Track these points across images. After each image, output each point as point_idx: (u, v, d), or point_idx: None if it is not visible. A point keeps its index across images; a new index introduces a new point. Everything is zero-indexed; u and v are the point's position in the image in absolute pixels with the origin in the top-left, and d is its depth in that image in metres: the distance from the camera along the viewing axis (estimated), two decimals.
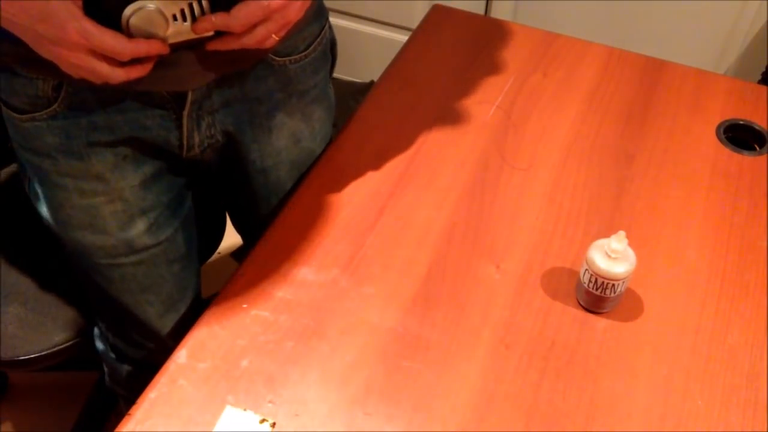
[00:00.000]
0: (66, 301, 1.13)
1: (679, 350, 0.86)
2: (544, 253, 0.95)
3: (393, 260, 0.93)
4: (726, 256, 0.95)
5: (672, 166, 1.06)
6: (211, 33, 0.75)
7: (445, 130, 1.10)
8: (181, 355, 0.84)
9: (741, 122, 1.13)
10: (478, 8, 1.91)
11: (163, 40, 0.73)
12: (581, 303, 0.89)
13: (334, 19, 1.81)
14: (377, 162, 1.05)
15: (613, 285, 0.85)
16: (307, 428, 0.78)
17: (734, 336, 0.87)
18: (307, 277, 0.91)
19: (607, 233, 0.95)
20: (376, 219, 0.98)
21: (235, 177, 1.03)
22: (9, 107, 0.85)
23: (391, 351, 0.85)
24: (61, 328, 1.10)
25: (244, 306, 0.88)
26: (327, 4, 0.99)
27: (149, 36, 0.72)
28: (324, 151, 1.06)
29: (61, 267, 1.12)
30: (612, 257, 0.84)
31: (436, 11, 1.33)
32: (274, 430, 0.78)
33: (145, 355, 1.09)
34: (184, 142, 0.90)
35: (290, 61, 0.93)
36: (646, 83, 1.19)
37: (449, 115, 1.13)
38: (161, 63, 0.75)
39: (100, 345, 1.15)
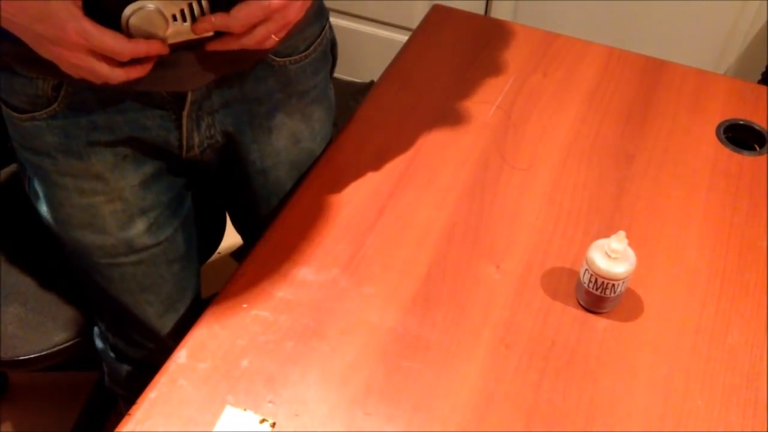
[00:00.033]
0: (66, 300, 1.12)
1: (679, 350, 0.86)
2: (544, 253, 0.95)
3: (393, 260, 0.93)
4: (726, 256, 0.95)
5: (672, 166, 1.06)
6: (210, 33, 0.75)
7: (445, 130, 1.10)
8: (181, 355, 0.84)
9: (741, 122, 1.13)
10: (478, 8, 1.91)
11: (163, 40, 0.73)
12: (581, 303, 0.89)
13: (334, 19, 1.81)
14: (377, 162, 1.05)
15: (613, 285, 0.85)
16: (307, 428, 0.78)
17: (734, 336, 0.87)
18: (307, 277, 0.91)
19: (607, 233, 0.95)
20: (376, 219, 0.98)
21: (234, 177, 1.03)
22: (9, 106, 0.85)
23: (391, 351, 0.85)
24: (62, 327, 1.10)
25: (244, 306, 0.88)
26: (327, 4, 0.99)
27: (149, 36, 0.71)
28: (324, 151, 1.06)
29: (61, 267, 1.12)
30: (612, 257, 0.84)
31: (436, 11, 1.33)
32: (274, 430, 0.78)
33: (145, 355, 1.09)
34: (184, 143, 0.90)
35: (290, 61, 0.93)
36: (646, 83, 1.19)
37: (449, 115, 1.13)
38: (161, 63, 0.75)
39: (99, 344, 1.15)
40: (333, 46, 1.03)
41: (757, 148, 1.11)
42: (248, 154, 0.98)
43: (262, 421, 0.78)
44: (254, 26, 0.74)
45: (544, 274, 0.93)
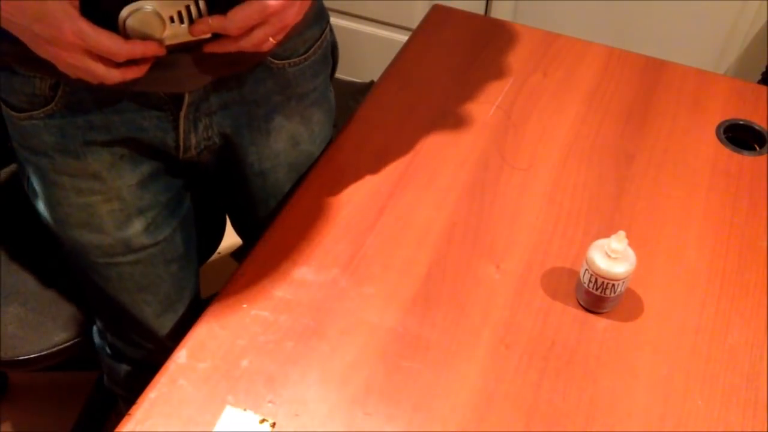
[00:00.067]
0: (66, 300, 1.13)
1: (679, 350, 0.86)
2: (544, 253, 0.95)
3: (393, 260, 0.93)
4: (726, 256, 0.95)
5: (672, 166, 1.06)
6: (208, 35, 0.75)
7: (445, 130, 1.10)
8: (181, 355, 0.83)
9: (741, 122, 1.13)
10: (478, 8, 1.91)
11: (160, 41, 0.72)
12: (581, 303, 0.89)
13: (334, 19, 1.81)
14: (377, 162, 1.05)
15: (613, 285, 0.85)
16: (307, 428, 0.78)
17: (734, 336, 0.87)
18: (307, 277, 0.91)
19: (607, 233, 0.95)
20: (376, 219, 0.98)
21: (233, 179, 1.03)
22: (8, 105, 0.85)
23: (391, 351, 0.85)
24: (62, 327, 1.10)
25: (244, 306, 0.88)
26: (327, 4, 0.99)
27: (146, 37, 0.71)
28: (324, 151, 1.06)
29: (61, 266, 1.12)
30: (612, 257, 0.84)
31: (436, 11, 1.33)
32: (274, 430, 0.78)
33: (144, 355, 1.09)
34: (181, 144, 0.90)
35: (289, 64, 0.92)
36: (646, 83, 1.19)
37: (449, 115, 1.13)
38: (158, 64, 0.75)
39: (98, 341, 1.15)
40: (333, 48, 1.03)
41: (757, 148, 1.11)
42: (246, 156, 0.98)
43: (262, 421, 0.78)
44: (252, 29, 0.74)
45: (544, 274, 0.92)
